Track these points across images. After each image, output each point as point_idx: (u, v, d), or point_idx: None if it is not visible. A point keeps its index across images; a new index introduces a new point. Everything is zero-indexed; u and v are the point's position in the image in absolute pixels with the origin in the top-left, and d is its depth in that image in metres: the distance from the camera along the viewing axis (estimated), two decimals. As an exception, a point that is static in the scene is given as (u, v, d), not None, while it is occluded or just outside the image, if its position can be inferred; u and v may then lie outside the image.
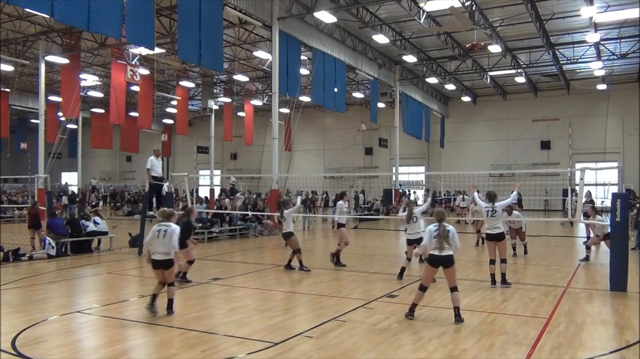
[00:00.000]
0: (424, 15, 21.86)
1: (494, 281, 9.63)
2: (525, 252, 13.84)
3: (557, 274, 11.11)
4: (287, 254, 12.08)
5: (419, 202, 27.71)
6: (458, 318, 7.08)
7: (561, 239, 18.42)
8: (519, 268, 12.10)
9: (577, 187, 11.25)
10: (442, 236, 7.10)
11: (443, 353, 5.88)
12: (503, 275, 9.55)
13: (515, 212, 13.61)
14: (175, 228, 7.54)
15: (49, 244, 13.32)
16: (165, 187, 14.75)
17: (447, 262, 7.11)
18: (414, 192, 37.14)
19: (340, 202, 12.48)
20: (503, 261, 9.62)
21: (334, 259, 12.06)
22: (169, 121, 45.02)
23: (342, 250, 12.14)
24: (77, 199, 29.56)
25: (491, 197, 9.71)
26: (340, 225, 12.35)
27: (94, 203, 25.66)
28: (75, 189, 40.14)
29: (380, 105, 33.88)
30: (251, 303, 8.69)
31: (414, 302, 7.35)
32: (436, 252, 7.15)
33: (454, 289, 7.17)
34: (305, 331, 6.68)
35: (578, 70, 31.83)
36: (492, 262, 9.69)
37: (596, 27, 23.58)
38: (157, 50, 23.46)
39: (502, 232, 9.75)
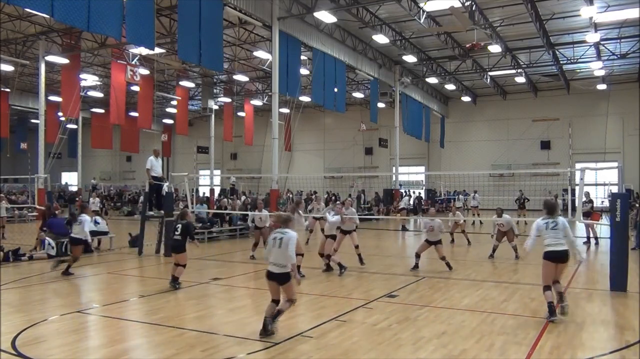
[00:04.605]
0: (424, 15, 21.86)
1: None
2: (517, 256, 13.13)
3: (557, 274, 11.09)
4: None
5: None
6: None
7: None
8: (519, 268, 12.10)
9: (577, 188, 11.24)
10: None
11: (443, 353, 5.88)
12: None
13: (505, 215, 13.50)
14: (292, 236, 6.45)
15: (49, 244, 13.31)
16: (165, 187, 14.75)
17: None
18: (414, 193, 37.18)
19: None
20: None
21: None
22: (169, 121, 45.02)
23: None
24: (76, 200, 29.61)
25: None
26: None
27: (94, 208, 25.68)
28: (75, 189, 40.25)
29: (380, 105, 33.87)
30: (251, 303, 8.69)
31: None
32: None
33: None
34: (305, 331, 6.68)
35: (578, 70, 31.83)
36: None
37: (596, 27, 23.58)
38: (157, 50, 23.45)
39: None
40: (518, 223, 21.09)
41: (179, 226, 9.71)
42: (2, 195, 21.19)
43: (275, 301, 6.48)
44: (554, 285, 7.28)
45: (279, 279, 6.38)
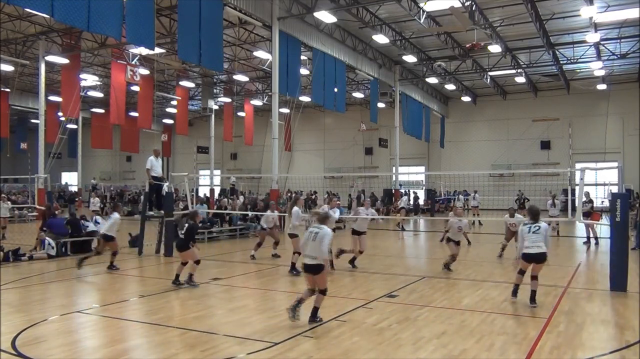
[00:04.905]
0: (424, 15, 21.85)
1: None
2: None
3: (557, 274, 11.09)
4: (289, 254, 12.04)
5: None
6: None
7: (561, 239, 18.43)
8: (519, 268, 12.08)
9: (576, 188, 11.22)
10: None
11: (443, 353, 5.88)
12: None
13: (518, 215, 13.48)
14: (327, 232, 7.00)
15: (49, 244, 13.32)
16: (165, 187, 14.75)
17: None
18: (414, 193, 37.14)
19: (296, 208, 11.64)
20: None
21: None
22: (169, 121, 45.03)
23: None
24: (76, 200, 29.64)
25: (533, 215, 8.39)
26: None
27: (94, 208, 25.88)
28: (75, 189, 40.24)
29: (380, 105, 33.88)
30: (251, 303, 8.69)
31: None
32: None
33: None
34: (305, 331, 6.68)
35: (578, 70, 31.82)
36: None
37: (596, 27, 23.58)
38: (157, 50, 23.46)
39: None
40: (550, 224, 20.51)
41: (186, 225, 9.96)
42: (3, 195, 21.19)
43: (311, 290, 7.02)
44: (531, 282, 8.10)
45: (312, 270, 6.92)
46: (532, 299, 8.02)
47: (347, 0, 20.82)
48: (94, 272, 11.65)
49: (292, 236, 11.58)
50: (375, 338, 6.39)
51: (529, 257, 8.05)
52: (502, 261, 12.99)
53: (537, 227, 8.04)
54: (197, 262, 9.65)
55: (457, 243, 11.32)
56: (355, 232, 11.82)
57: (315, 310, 7.02)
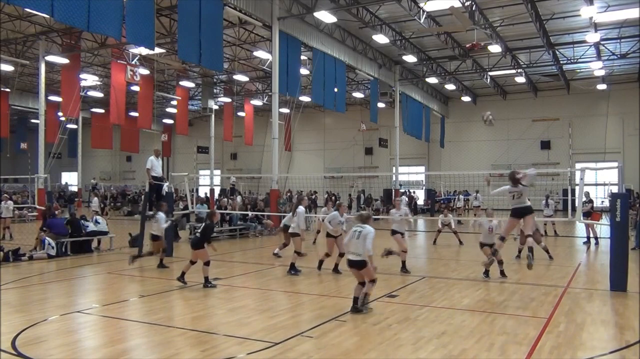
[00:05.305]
0: (424, 15, 21.86)
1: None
2: (550, 257, 13.13)
3: (557, 274, 11.11)
4: (290, 254, 12.00)
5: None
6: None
7: (561, 239, 18.43)
8: (519, 268, 12.08)
9: (576, 188, 11.21)
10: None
11: (443, 353, 5.88)
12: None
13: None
14: (370, 230, 7.45)
15: (49, 244, 13.32)
16: (165, 187, 14.74)
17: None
18: (414, 192, 37.12)
19: (301, 208, 11.88)
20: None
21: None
22: (169, 121, 45.03)
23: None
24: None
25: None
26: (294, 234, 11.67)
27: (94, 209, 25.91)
28: (75, 189, 40.22)
29: (380, 105, 33.87)
30: (251, 303, 8.69)
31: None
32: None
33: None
34: (305, 331, 6.67)
35: (578, 70, 31.83)
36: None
37: (596, 27, 23.59)
38: (157, 50, 23.46)
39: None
40: (546, 224, 19.68)
41: (202, 224, 10.13)
42: (5, 195, 21.15)
43: (361, 283, 7.51)
44: (526, 239, 8.97)
45: (357, 265, 7.45)
46: (530, 252, 8.91)
47: (347, 0, 20.82)
48: (94, 272, 11.66)
49: (294, 234, 11.61)
50: (375, 338, 6.39)
51: (514, 213, 8.91)
52: (519, 261, 12.69)
53: (520, 195, 8.87)
54: (207, 263, 9.57)
55: (492, 246, 10.09)
56: (394, 233, 11.39)
57: (365, 295, 7.51)
